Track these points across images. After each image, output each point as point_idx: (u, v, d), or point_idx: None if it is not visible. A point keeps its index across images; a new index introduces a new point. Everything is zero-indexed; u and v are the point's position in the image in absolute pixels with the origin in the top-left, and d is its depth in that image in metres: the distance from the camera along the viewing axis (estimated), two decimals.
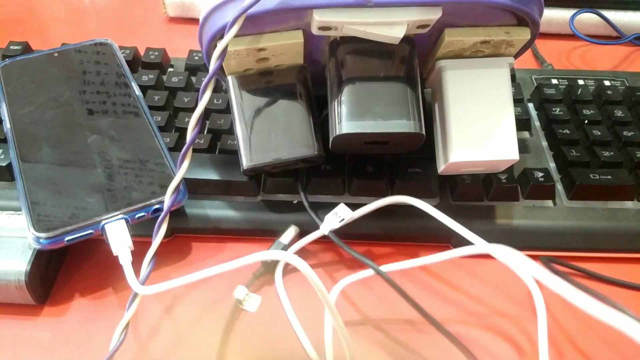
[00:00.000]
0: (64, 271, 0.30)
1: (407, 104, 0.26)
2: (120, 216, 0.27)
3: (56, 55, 0.35)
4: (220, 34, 0.25)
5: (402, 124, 0.26)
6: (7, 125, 0.31)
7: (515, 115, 0.34)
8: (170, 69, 0.38)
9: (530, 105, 0.37)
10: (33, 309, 0.28)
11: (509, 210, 0.31)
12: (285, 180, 0.31)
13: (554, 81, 0.39)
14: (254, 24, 0.25)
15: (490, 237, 0.30)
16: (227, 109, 0.34)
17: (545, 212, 0.31)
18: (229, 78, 0.29)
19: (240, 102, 0.28)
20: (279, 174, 0.30)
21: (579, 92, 0.36)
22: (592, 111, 0.35)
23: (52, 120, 0.31)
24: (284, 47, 0.27)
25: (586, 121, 0.34)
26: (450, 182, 0.32)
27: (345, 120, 0.26)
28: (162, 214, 0.27)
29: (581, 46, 0.46)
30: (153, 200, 0.28)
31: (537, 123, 0.36)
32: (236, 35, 0.25)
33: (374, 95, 0.26)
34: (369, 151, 0.29)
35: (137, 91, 0.33)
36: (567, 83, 0.38)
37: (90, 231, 0.27)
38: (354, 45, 0.27)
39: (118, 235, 0.27)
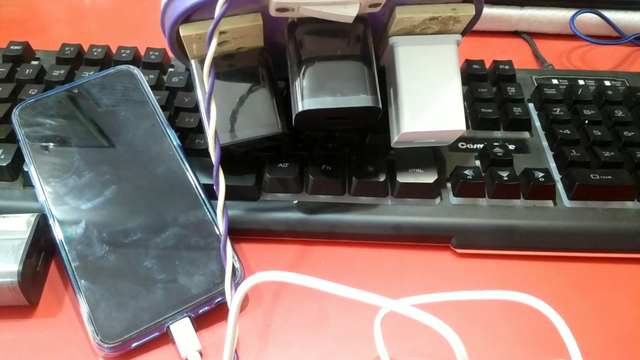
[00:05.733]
0: (53, 270, 0.29)
1: (363, 79, 0.27)
2: (185, 314, 0.26)
3: (76, 91, 0.32)
4: (181, 19, 0.27)
5: (359, 99, 0.27)
6: (42, 200, 0.29)
7: (516, 115, 0.34)
8: (170, 69, 0.38)
9: (531, 106, 0.37)
10: (26, 310, 0.28)
11: (509, 210, 0.31)
12: (286, 180, 0.31)
13: (555, 81, 0.39)
14: (214, 7, 0.25)
15: (490, 237, 0.30)
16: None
17: (546, 212, 0.31)
18: (192, 62, 0.29)
19: (204, 86, 0.28)
20: (279, 173, 0.31)
21: (579, 93, 0.36)
22: (592, 111, 0.35)
23: (91, 196, 0.29)
24: (244, 30, 0.28)
25: (587, 121, 0.34)
26: (452, 180, 0.32)
27: (306, 97, 0.27)
28: (230, 315, 0.24)
29: (581, 46, 0.46)
30: (215, 292, 0.27)
31: (537, 123, 0.36)
32: (196, 20, 0.27)
33: (332, 73, 0.27)
34: (331, 127, 0.31)
35: (174, 139, 0.31)
36: (567, 83, 0.38)
37: (156, 334, 0.26)
38: (311, 26, 0.28)
39: (185, 336, 0.26)
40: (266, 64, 0.30)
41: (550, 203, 0.31)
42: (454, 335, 0.19)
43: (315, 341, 0.27)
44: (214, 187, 0.27)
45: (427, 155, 0.32)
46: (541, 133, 0.35)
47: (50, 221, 0.28)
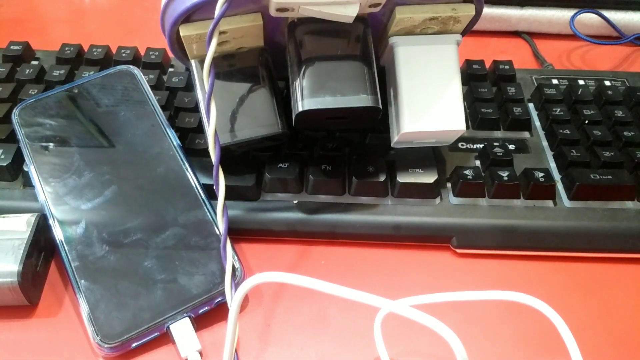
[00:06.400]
0: (53, 270, 0.29)
1: (363, 79, 0.27)
2: (185, 314, 0.26)
3: (76, 91, 0.32)
4: (182, 19, 0.27)
5: (360, 99, 0.27)
6: (42, 200, 0.29)
7: (516, 115, 0.34)
8: (170, 69, 0.38)
9: (531, 106, 0.37)
10: (26, 310, 0.28)
11: (509, 210, 0.31)
12: (286, 180, 0.31)
13: (555, 81, 0.39)
14: (214, 7, 0.25)
15: (490, 237, 0.30)
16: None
17: (546, 212, 0.31)
18: (192, 62, 0.29)
19: (204, 86, 0.28)
20: (279, 173, 0.31)
21: (579, 92, 0.36)
22: (592, 111, 0.35)
23: (91, 196, 0.29)
24: (244, 30, 0.28)
25: (587, 121, 0.34)
26: (452, 180, 0.32)
27: (306, 97, 0.27)
28: (229, 316, 0.24)
29: (581, 46, 0.46)
30: (215, 292, 0.27)
31: (537, 123, 0.36)
32: (196, 20, 0.27)
33: (332, 73, 0.27)
34: (331, 127, 0.31)
35: (175, 139, 0.31)
36: (567, 83, 0.38)
37: (156, 334, 0.26)
38: (312, 26, 0.28)
39: (185, 336, 0.26)
40: (266, 64, 0.30)
41: (550, 203, 0.31)
42: (453, 335, 0.19)
43: (315, 341, 0.27)
44: (214, 187, 0.27)
45: (427, 155, 0.32)
46: (541, 133, 0.35)
47: (50, 221, 0.28)
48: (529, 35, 0.46)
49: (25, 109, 0.32)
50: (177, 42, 0.29)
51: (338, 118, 0.28)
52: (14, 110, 0.31)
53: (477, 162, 0.33)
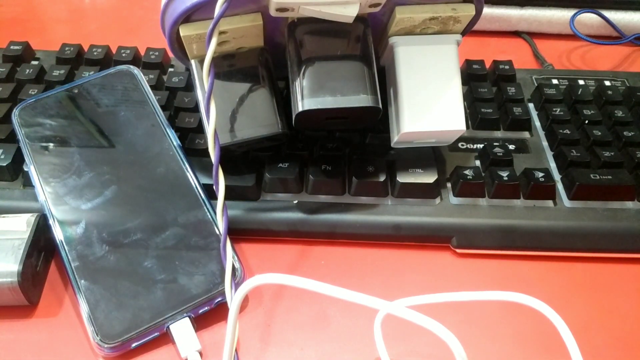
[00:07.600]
0: (53, 270, 0.29)
1: (363, 79, 0.27)
2: (185, 314, 0.26)
3: (76, 91, 0.32)
4: (182, 19, 0.27)
5: (360, 99, 0.27)
6: (42, 200, 0.29)
7: (516, 115, 0.34)
8: (170, 69, 0.38)
9: (531, 106, 0.37)
10: (26, 310, 0.28)
11: (509, 210, 0.31)
12: (286, 180, 0.31)
13: (555, 81, 0.39)
14: (214, 7, 0.25)
15: (490, 237, 0.30)
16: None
17: (546, 212, 0.31)
18: (192, 62, 0.29)
19: (204, 86, 0.28)
20: (278, 173, 0.31)
21: (579, 92, 0.36)
22: (592, 111, 0.35)
23: (91, 196, 0.29)
24: (244, 30, 0.28)
25: (587, 121, 0.34)
26: (452, 180, 0.32)
27: (306, 97, 0.27)
28: (229, 316, 0.23)
29: (581, 46, 0.46)
30: (215, 292, 0.27)
31: (537, 123, 0.36)
32: (196, 20, 0.27)
33: (332, 73, 0.27)
34: (331, 127, 0.31)
35: (175, 139, 0.31)
36: (567, 83, 0.38)
37: (156, 334, 0.26)
38: (312, 26, 0.28)
39: (185, 336, 0.26)
40: (266, 64, 0.30)
41: (550, 203, 0.31)
42: (451, 335, 0.19)
43: (315, 341, 0.27)
44: (214, 187, 0.27)
45: (427, 155, 0.32)
46: (541, 133, 0.35)
47: (50, 221, 0.28)
48: (529, 35, 0.46)
49: (25, 109, 0.32)
50: (177, 42, 0.29)
51: (338, 118, 0.28)
52: (14, 110, 0.31)
53: (477, 162, 0.33)
